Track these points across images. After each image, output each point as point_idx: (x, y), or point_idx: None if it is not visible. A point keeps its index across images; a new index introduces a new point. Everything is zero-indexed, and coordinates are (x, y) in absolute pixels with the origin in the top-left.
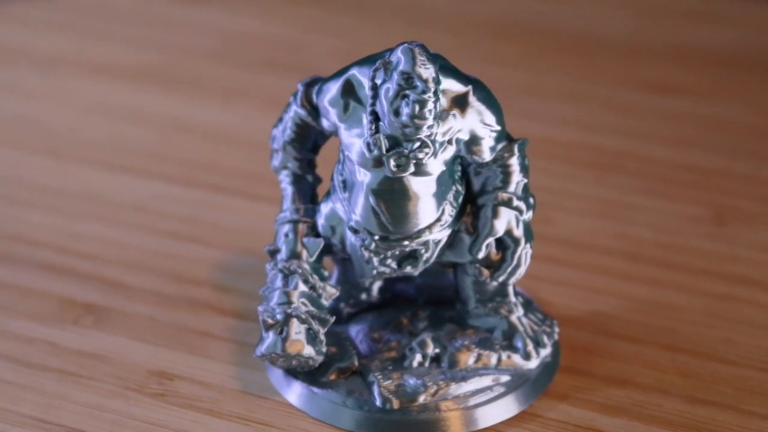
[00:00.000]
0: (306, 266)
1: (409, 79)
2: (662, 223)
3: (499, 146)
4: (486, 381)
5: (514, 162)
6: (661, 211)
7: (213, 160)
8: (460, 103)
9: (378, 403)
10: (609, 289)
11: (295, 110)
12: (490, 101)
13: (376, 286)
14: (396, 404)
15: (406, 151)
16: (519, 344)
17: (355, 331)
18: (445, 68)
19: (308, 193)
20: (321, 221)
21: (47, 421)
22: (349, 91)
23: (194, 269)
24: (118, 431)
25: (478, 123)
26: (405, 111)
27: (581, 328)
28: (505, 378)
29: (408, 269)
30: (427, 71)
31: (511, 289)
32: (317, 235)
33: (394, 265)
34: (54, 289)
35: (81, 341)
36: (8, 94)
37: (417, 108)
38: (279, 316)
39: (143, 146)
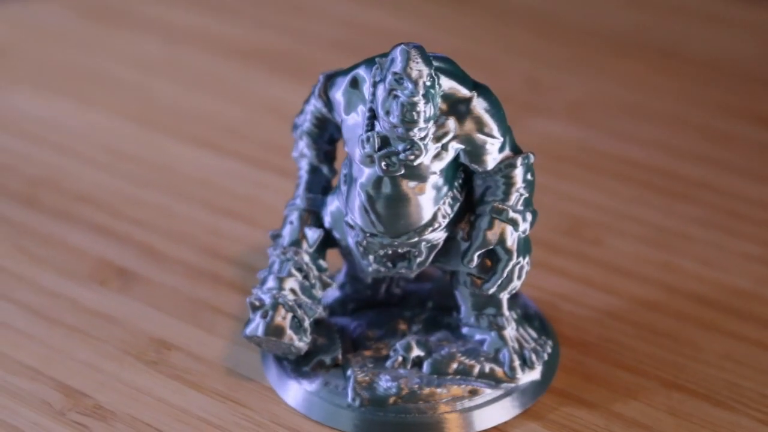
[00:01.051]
0: (304, 255)
1: (400, 80)
2: (713, 257)
3: (501, 157)
4: (461, 391)
5: (516, 174)
6: (717, 246)
7: (291, 145)
8: (460, 108)
9: (348, 398)
10: (631, 317)
11: (314, 101)
12: (492, 110)
13: (385, 284)
14: (365, 401)
15: (396, 152)
16: (504, 359)
17: (354, 326)
18: (450, 72)
19: (321, 184)
20: (326, 214)
21: (41, 372)
22: (354, 86)
23: (232, 247)
24: (102, 391)
25: (478, 131)
26: (395, 112)
27: (588, 353)
28: (484, 390)
29: (403, 270)
30: (419, 73)
31: (505, 303)
32: (321, 226)
33: (389, 263)
34: (95, 249)
35: (100, 302)
36: (126, 60)
37: (405, 109)
38: (267, 301)
39: (231, 124)
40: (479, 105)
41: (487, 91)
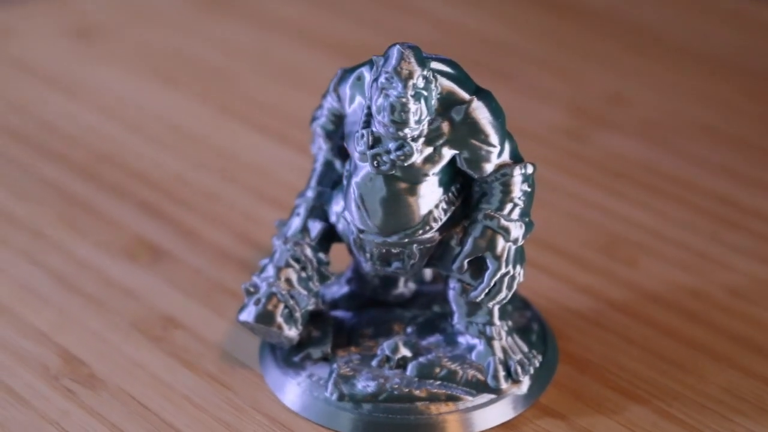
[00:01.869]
0: (305, 247)
1: (390, 79)
2: (746, 289)
3: (497, 164)
4: (439, 396)
5: (513, 183)
6: (754, 278)
7: None
8: (456, 112)
9: (327, 391)
10: (642, 341)
11: (329, 96)
12: (490, 117)
13: (393, 282)
14: (342, 396)
15: (387, 150)
16: (489, 368)
17: (354, 322)
18: (450, 75)
19: (333, 178)
20: (332, 209)
21: (49, 338)
22: (358, 83)
23: (267, 235)
24: (100, 361)
25: (472, 136)
26: (385, 111)
27: (585, 372)
28: (465, 398)
29: (398, 270)
30: (409, 73)
31: (496, 312)
32: (327, 220)
33: (385, 262)
34: (135, 226)
35: (124, 276)
36: (214, 45)
37: (395, 108)
38: (262, 288)
39: (299, 114)
40: (476, 110)
41: (488, 96)
